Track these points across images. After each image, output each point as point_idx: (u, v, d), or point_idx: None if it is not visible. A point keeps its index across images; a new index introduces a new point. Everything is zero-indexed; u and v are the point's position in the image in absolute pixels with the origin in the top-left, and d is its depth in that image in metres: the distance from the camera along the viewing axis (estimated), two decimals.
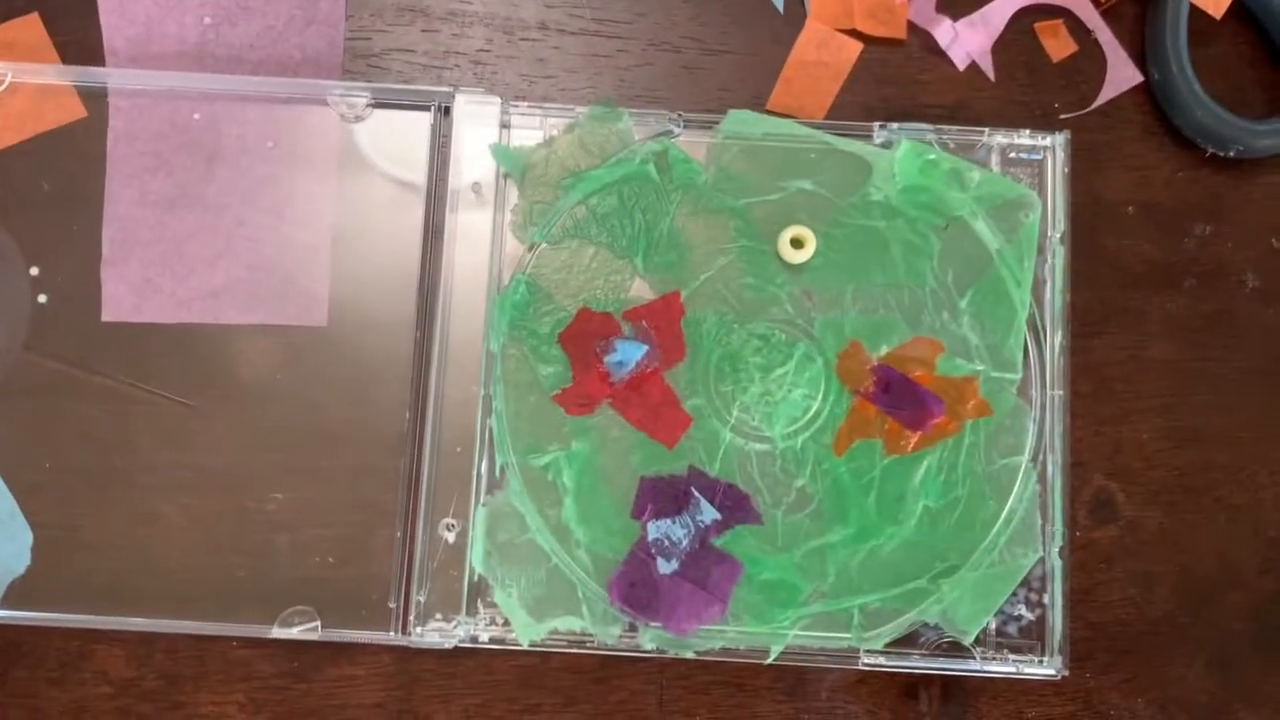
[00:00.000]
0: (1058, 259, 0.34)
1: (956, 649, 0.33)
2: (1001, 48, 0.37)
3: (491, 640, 0.33)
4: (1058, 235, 0.34)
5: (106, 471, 0.34)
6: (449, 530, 0.33)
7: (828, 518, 0.33)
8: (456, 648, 0.33)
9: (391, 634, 0.33)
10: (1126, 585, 0.35)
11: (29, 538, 0.33)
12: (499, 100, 0.34)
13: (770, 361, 0.34)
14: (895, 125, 0.34)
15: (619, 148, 0.34)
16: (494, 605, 0.33)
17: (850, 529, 0.33)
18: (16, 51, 0.35)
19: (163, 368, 0.34)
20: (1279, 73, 0.37)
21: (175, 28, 0.36)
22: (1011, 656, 0.33)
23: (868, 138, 0.34)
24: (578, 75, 0.36)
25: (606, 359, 0.33)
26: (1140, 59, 0.36)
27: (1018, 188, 0.34)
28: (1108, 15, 0.37)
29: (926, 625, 0.33)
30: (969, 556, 0.33)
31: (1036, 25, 0.37)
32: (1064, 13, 0.37)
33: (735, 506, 0.33)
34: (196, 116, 0.35)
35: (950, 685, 0.34)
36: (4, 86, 0.34)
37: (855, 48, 0.36)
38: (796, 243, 0.33)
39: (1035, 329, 0.34)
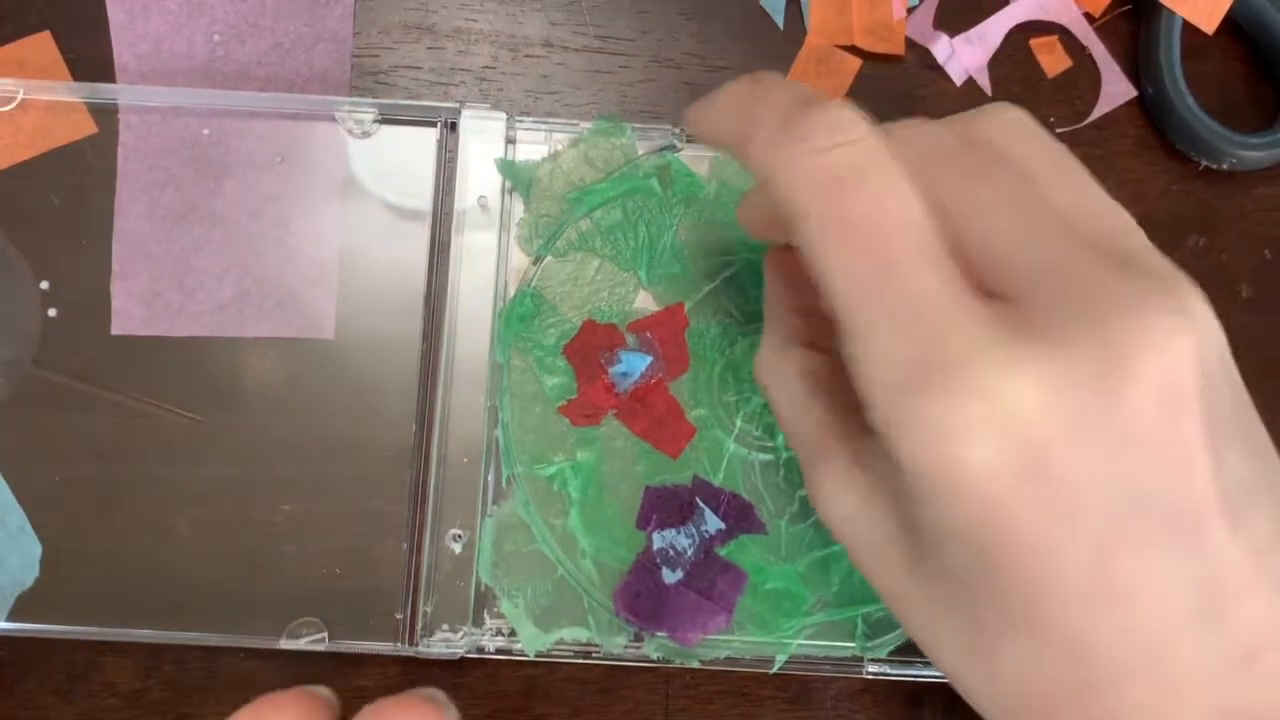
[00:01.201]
0: None
1: None
2: (997, 63, 0.37)
3: (498, 651, 0.33)
4: None
5: (115, 484, 0.34)
6: (455, 541, 0.33)
7: None
8: (463, 658, 0.33)
9: (398, 645, 0.33)
10: None
11: (38, 550, 0.33)
12: (504, 116, 0.35)
13: None
14: None
15: (623, 162, 0.35)
16: (500, 616, 0.33)
17: None
18: (28, 69, 0.35)
19: (172, 380, 0.34)
20: (1271, 87, 0.38)
21: (185, 45, 0.36)
22: None
23: None
24: (581, 91, 0.37)
25: (611, 370, 0.34)
26: (1134, 74, 0.37)
27: None
28: (1102, 31, 0.37)
29: None
30: None
31: (1032, 41, 0.37)
32: (1059, 29, 0.37)
33: (740, 516, 0.33)
34: (206, 132, 0.35)
35: (955, 695, 0.34)
36: (15, 103, 0.35)
37: (854, 64, 0.37)
38: None
39: None
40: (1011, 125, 0.22)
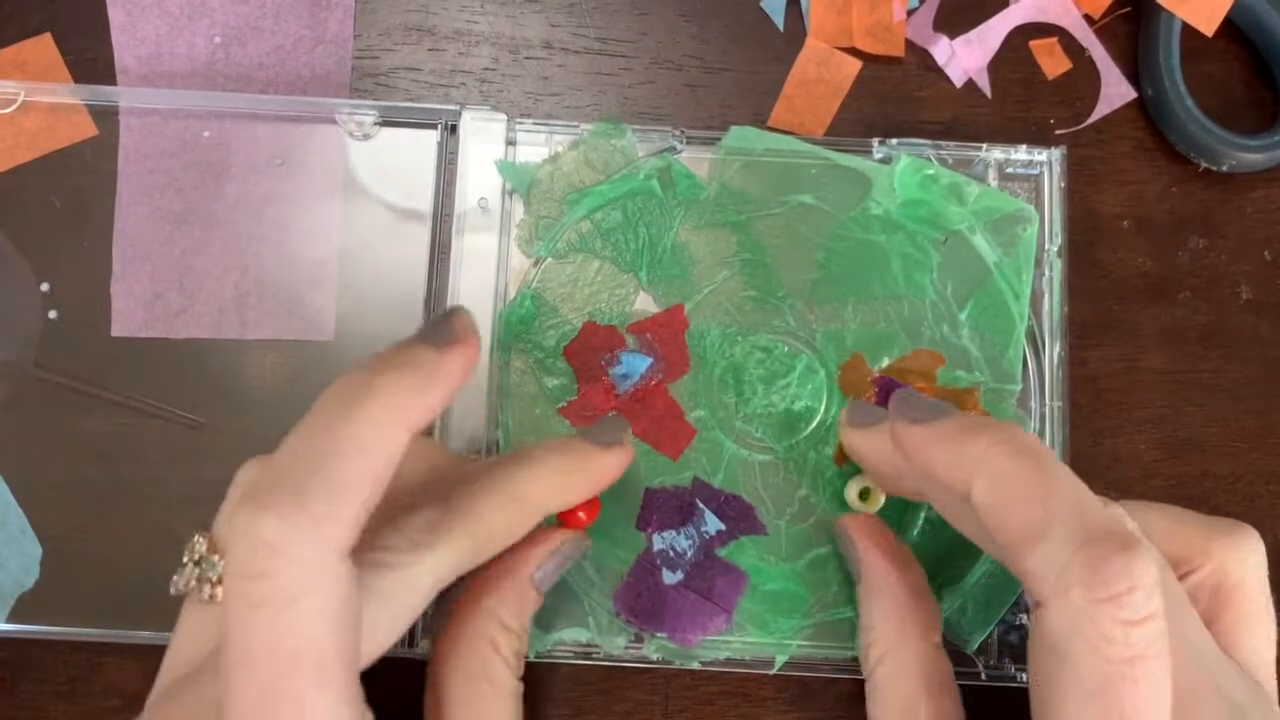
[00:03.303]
0: (1055, 272, 0.35)
1: (960, 658, 0.33)
2: (997, 65, 0.37)
3: None
4: (1055, 248, 0.35)
5: (115, 485, 0.34)
6: None
7: (830, 528, 0.34)
8: None
9: (398, 646, 0.33)
10: None
11: (38, 552, 0.33)
12: (505, 118, 0.35)
13: (773, 373, 0.34)
14: (894, 141, 0.35)
15: (623, 164, 0.35)
16: None
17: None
18: (29, 71, 0.36)
19: (172, 382, 0.34)
20: (1270, 89, 0.38)
21: (185, 47, 0.36)
22: (1014, 666, 0.33)
23: (867, 153, 0.35)
24: (582, 93, 0.37)
25: (611, 371, 0.34)
26: (1134, 76, 0.37)
27: (1015, 202, 0.35)
28: (1101, 33, 0.37)
29: None
30: (971, 566, 0.33)
31: (1032, 43, 0.37)
32: (1059, 31, 0.37)
33: (739, 517, 0.33)
34: (206, 134, 0.35)
35: None
36: (16, 105, 0.35)
37: (854, 65, 0.37)
38: (865, 494, 0.33)
39: (1034, 341, 0.34)
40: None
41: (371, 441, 0.22)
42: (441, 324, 0.25)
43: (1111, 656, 0.21)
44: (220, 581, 0.24)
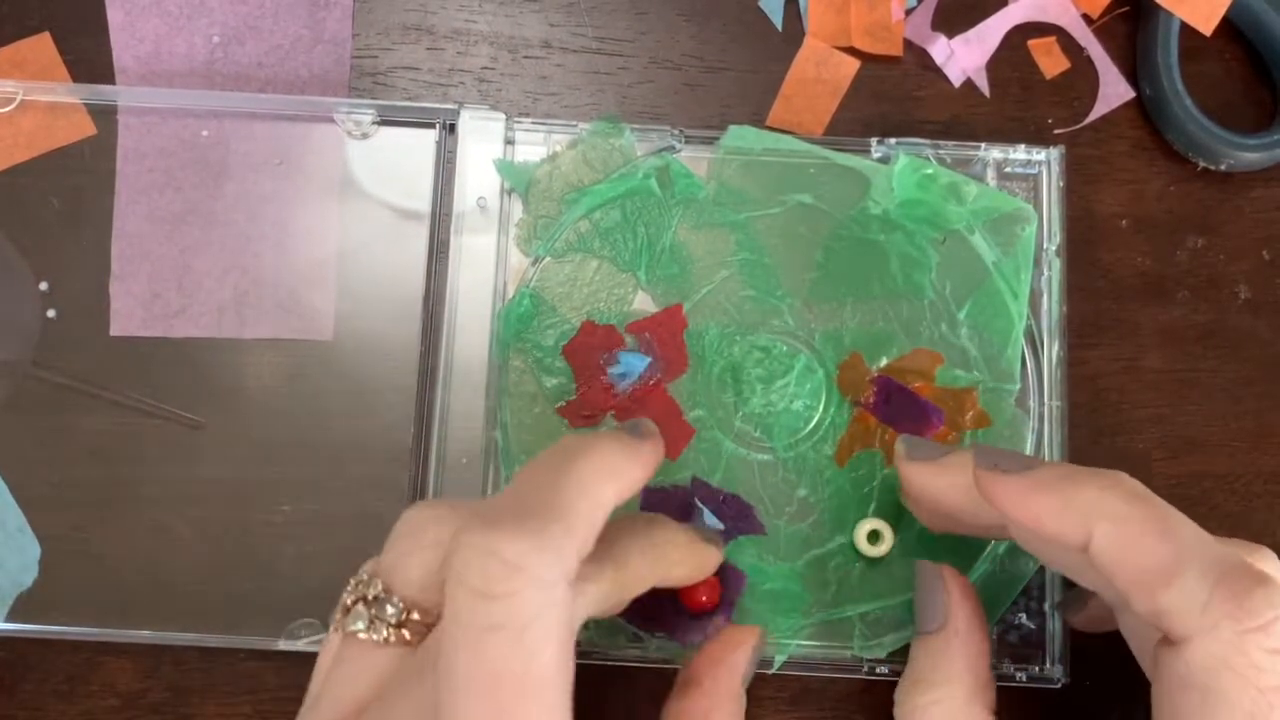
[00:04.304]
0: (1054, 271, 0.35)
1: None
2: (996, 65, 0.37)
3: None
4: (1053, 248, 0.35)
5: (114, 485, 0.34)
6: None
7: (829, 527, 0.34)
8: None
9: None
10: None
11: (37, 551, 0.33)
12: (503, 117, 0.35)
13: (772, 373, 0.34)
14: (893, 140, 0.35)
15: (621, 163, 0.35)
16: None
17: (851, 538, 0.33)
18: (27, 70, 0.36)
19: (170, 381, 0.34)
20: (1268, 88, 0.38)
21: (184, 46, 0.36)
22: (1013, 666, 0.33)
23: (865, 153, 0.35)
24: (580, 92, 0.37)
25: (610, 371, 0.34)
26: (1132, 75, 0.37)
27: (1014, 201, 0.35)
28: (1100, 33, 0.37)
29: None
30: (969, 565, 0.33)
31: (1030, 43, 0.37)
32: (1057, 31, 0.37)
33: (738, 517, 0.33)
34: (205, 134, 0.35)
35: None
36: (15, 105, 0.35)
37: (853, 65, 0.37)
38: (874, 536, 0.33)
39: (1033, 340, 0.34)
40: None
41: (592, 486, 0.24)
42: (635, 425, 0.28)
43: (1264, 686, 0.22)
44: (402, 624, 0.24)
